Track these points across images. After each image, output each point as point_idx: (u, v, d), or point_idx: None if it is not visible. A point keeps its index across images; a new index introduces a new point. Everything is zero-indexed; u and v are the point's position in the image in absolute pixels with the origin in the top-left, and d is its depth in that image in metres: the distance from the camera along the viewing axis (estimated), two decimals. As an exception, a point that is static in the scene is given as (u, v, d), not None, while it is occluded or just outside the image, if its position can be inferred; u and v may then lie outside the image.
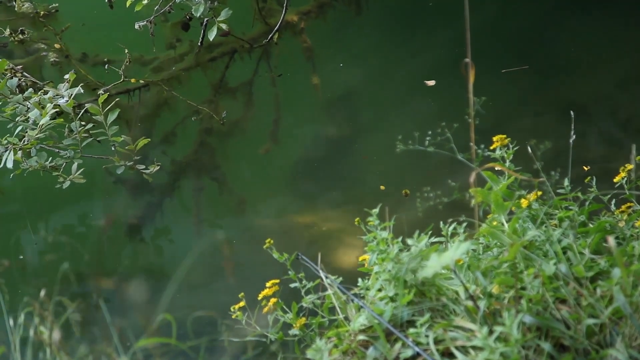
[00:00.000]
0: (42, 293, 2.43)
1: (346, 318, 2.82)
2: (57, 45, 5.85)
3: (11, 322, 2.52)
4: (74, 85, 4.40)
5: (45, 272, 4.78)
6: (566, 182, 2.94)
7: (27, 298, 2.47)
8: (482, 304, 2.36)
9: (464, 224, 2.93)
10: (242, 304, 3.20)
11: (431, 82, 5.34)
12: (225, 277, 4.65)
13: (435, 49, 5.65)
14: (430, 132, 3.03)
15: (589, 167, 3.35)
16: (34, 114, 4.25)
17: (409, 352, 2.37)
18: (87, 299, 4.62)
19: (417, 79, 5.47)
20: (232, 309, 3.20)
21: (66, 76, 4.46)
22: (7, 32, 5.82)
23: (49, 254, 4.85)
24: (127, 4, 5.00)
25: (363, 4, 6.09)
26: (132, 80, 5.52)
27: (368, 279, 2.91)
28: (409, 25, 5.93)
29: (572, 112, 3.19)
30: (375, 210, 3.03)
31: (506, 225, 2.65)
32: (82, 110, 4.41)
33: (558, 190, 2.92)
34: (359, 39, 5.89)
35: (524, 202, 2.71)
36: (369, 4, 6.08)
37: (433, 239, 2.85)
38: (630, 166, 3.04)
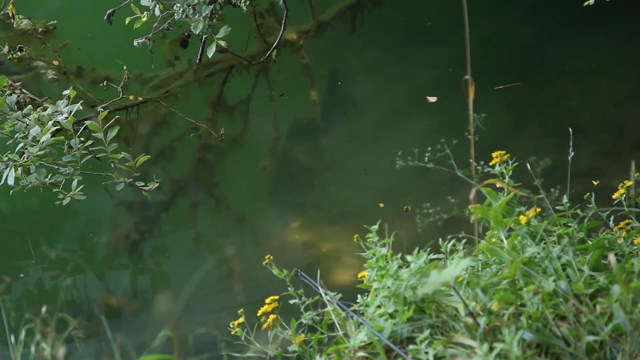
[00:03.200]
0: (44, 309, 2.42)
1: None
2: (55, 62, 5.87)
3: (12, 338, 2.52)
4: (73, 102, 4.41)
5: (47, 288, 4.78)
6: (565, 199, 2.95)
7: (28, 315, 2.47)
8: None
9: (464, 241, 2.93)
10: (241, 320, 3.20)
11: (432, 99, 5.35)
12: (225, 294, 4.64)
13: (433, 66, 5.66)
14: (429, 149, 3.04)
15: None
16: (34, 130, 4.25)
17: (409, 369, 2.37)
18: (88, 315, 4.62)
19: (416, 95, 5.48)
20: (231, 326, 3.19)
21: (65, 92, 4.46)
22: (6, 49, 5.83)
23: (50, 270, 4.85)
24: (126, 22, 5.02)
25: (358, 23, 6.11)
26: (131, 97, 5.53)
27: (367, 296, 2.91)
28: (407, 43, 5.95)
29: (570, 129, 3.20)
30: (375, 227, 3.04)
31: (505, 241, 2.66)
32: (82, 128, 4.41)
33: (557, 207, 2.93)
34: (357, 57, 5.91)
35: (523, 219, 2.71)
36: (365, 22, 6.10)
37: (432, 256, 2.85)
38: (629, 183, 3.04)
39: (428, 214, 3.21)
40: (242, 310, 3.25)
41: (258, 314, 3.11)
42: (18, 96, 4.98)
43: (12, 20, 6.06)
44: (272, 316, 3.08)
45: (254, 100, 5.72)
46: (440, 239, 3.02)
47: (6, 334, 2.69)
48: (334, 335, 2.88)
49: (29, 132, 4.30)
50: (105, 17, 5.46)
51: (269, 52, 5.79)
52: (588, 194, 3.15)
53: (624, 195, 3.07)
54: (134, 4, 4.99)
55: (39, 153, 4.20)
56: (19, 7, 6.01)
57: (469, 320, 2.40)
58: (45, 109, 4.41)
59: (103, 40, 5.98)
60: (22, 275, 4.81)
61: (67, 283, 4.65)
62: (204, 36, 5.41)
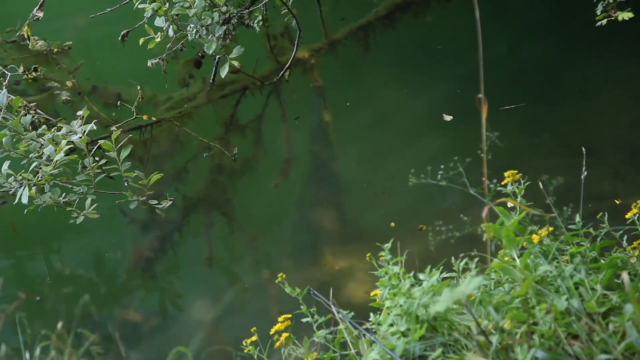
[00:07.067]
0: (60, 325, 2.43)
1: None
2: (69, 83, 5.90)
3: (27, 355, 2.53)
4: (87, 122, 4.43)
5: (62, 305, 4.79)
6: (578, 218, 2.94)
7: (44, 331, 2.48)
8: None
9: (476, 259, 2.93)
10: (254, 338, 3.20)
11: (448, 117, 5.36)
12: (238, 312, 4.65)
13: (445, 85, 5.67)
14: (442, 167, 3.05)
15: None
16: (48, 150, 4.27)
17: (421, 387, 2.37)
18: (103, 332, 4.63)
19: (430, 114, 5.50)
20: (244, 343, 3.20)
21: (79, 113, 4.49)
22: (21, 69, 5.88)
23: (64, 287, 4.87)
24: (140, 42, 5.05)
25: (371, 41, 6.13)
26: (145, 117, 5.56)
27: (380, 314, 2.91)
28: (419, 62, 5.96)
29: (583, 149, 3.20)
30: (387, 245, 3.04)
31: (518, 260, 2.65)
32: (96, 147, 4.44)
33: (570, 226, 2.92)
34: (369, 76, 5.93)
35: (535, 238, 2.71)
36: (377, 43, 6.12)
37: (445, 274, 2.85)
38: (642, 202, 3.05)
39: (440, 232, 3.21)
40: (255, 328, 3.25)
41: (271, 332, 3.12)
42: (33, 116, 5.01)
43: (28, 42, 6.11)
44: (284, 334, 3.08)
45: (266, 120, 5.74)
46: (452, 257, 3.02)
47: (21, 350, 2.70)
48: (347, 354, 2.88)
49: (43, 152, 4.32)
50: (119, 38, 5.50)
51: (281, 73, 5.81)
52: (601, 213, 3.14)
53: (637, 214, 3.07)
54: (148, 25, 5.02)
55: (53, 172, 4.22)
56: (34, 30, 6.06)
57: (481, 338, 2.40)
58: (59, 129, 4.43)
59: (117, 61, 6.02)
60: (38, 298, 4.83)
61: (82, 300, 4.66)
62: (217, 56, 5.44)
